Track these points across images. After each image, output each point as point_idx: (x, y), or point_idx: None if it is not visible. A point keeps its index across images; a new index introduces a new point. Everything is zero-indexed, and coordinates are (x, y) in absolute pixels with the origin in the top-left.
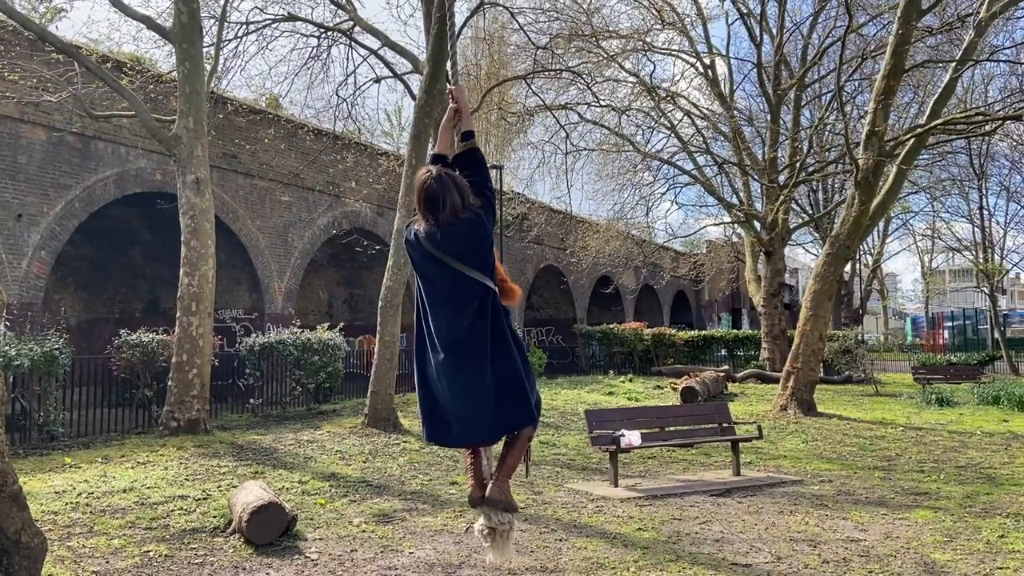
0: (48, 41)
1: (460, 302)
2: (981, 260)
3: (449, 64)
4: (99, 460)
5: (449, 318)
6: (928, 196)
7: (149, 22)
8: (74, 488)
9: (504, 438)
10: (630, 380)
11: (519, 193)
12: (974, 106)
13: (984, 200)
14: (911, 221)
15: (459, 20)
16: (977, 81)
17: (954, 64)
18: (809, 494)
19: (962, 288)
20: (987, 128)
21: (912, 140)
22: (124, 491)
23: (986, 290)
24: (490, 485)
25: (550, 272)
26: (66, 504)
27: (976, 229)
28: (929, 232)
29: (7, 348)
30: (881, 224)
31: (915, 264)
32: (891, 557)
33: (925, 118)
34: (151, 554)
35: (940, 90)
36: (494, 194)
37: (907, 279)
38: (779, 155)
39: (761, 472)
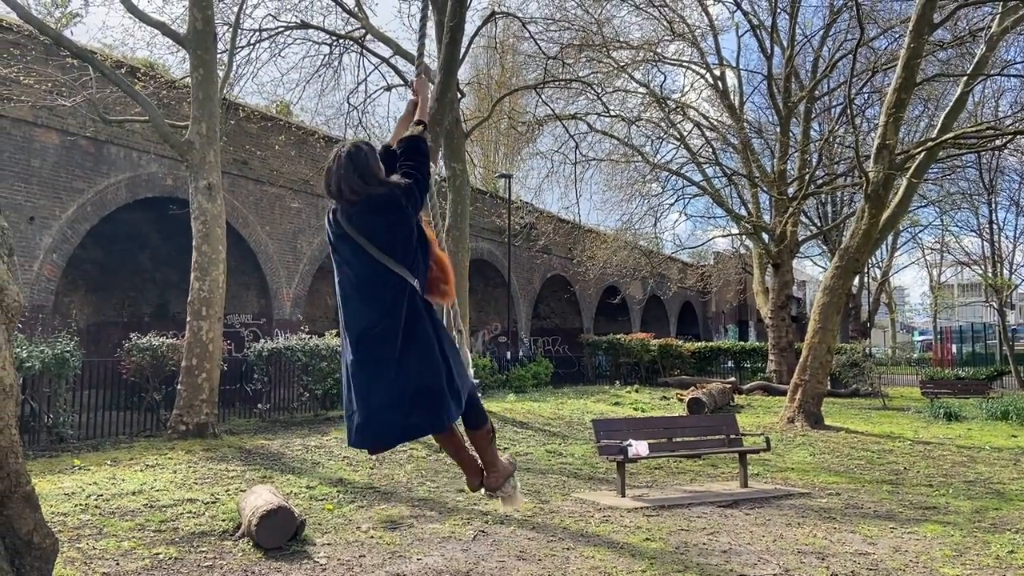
0: (63, 46)
1: (372, 295)
2: (990, 274)
3: (417, 52)
4: (108, 462)
5: (358, 311)
6: (937, 210)
7: (164, 28)
8: (83, 490)
9: (469, 442)
10: (636, 391)
11: (527, 202)
12: (985, 120)
13: (994, 214)
14: (920, 235)
15: (470, 29)
16: (988, 95)
17: (965, 78)
18: (817, 507)
19: (971, 302)
20: (997, 142)
21: (923, 154)
22: (133, 493)
23: (995, 304)
24: (485, 477)
25: (557, 281)
26: (76, 506)
27: (985, 243)
28: (938, 246)
29: (18, 350)
30: (890, 237)
31: (923, 278)
32: (900, 571)
33: (936, 132)
34: (160, 556)
35: (951, 104)
36: (425, 181)
37: (915, 293)
38: (788, 167)
39: (768, 484)
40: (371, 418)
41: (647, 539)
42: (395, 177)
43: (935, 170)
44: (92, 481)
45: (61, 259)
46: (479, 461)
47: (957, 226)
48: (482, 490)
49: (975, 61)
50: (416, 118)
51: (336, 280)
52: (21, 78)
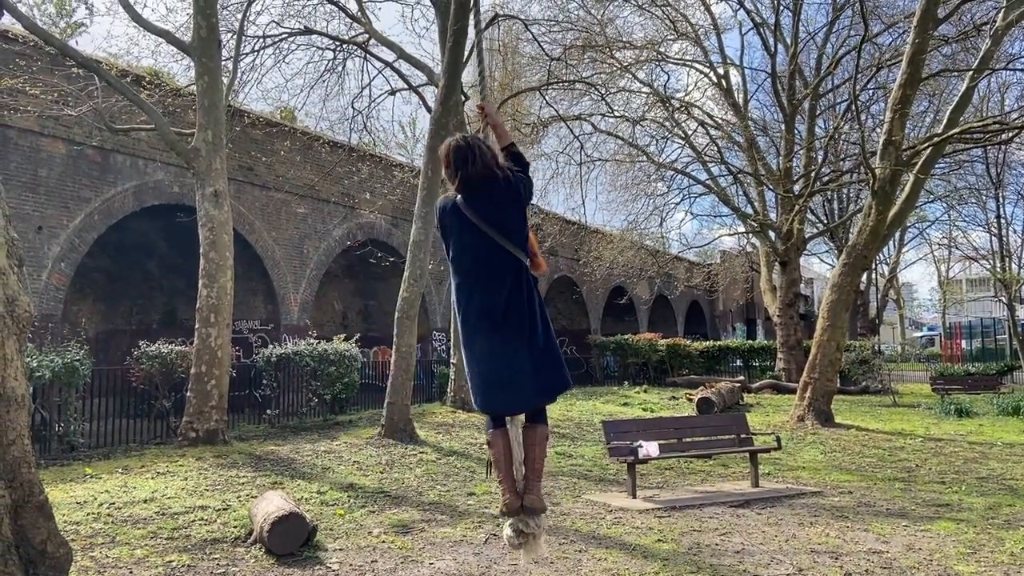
0: (69, 56)
1: (496, 274)
2: (998, 269)
3: (478, 79)
4: (119, 471)
5: (487, 290)
6: (945, 205)
7: (168, 36)
8: (95, 498)
9: (523, 440)
10: (645, 391)
11: (533, 204)
12: (991, 115)
13: (1001, 209)
14: (927, 230)
15: (473, 32)
16: (993, 89)
17: (971, 73)
18: (829, 505)
19: (979, 298)
20: (1004, 137)
21: (929, 149)
22: (145, 501)
23: (1004, 299)
24: (526, 495)
25: (564, 283)
26: (88, 514)
27: (993, 238)
28: (946, 241)
29: (28, 359)
30: (897, 233)
31: (932, 274)
32: (914, 569)
33: (942, 127)
34: (173, 564)
35: (957, 99)
36: (530, 179)
37: (923, 289)
38: (794, 165)
39: (780, 483)
40: (517, 382)
41: (659, 540)
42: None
43: (942, 165)
44: (104, 489)
45: (69, 268)
46: (518, 479)
47: (965, 221)
48: (515, 512)
49: (980, 56)
50: (502, 145)
51: (457, 264)
52: (27, 88)
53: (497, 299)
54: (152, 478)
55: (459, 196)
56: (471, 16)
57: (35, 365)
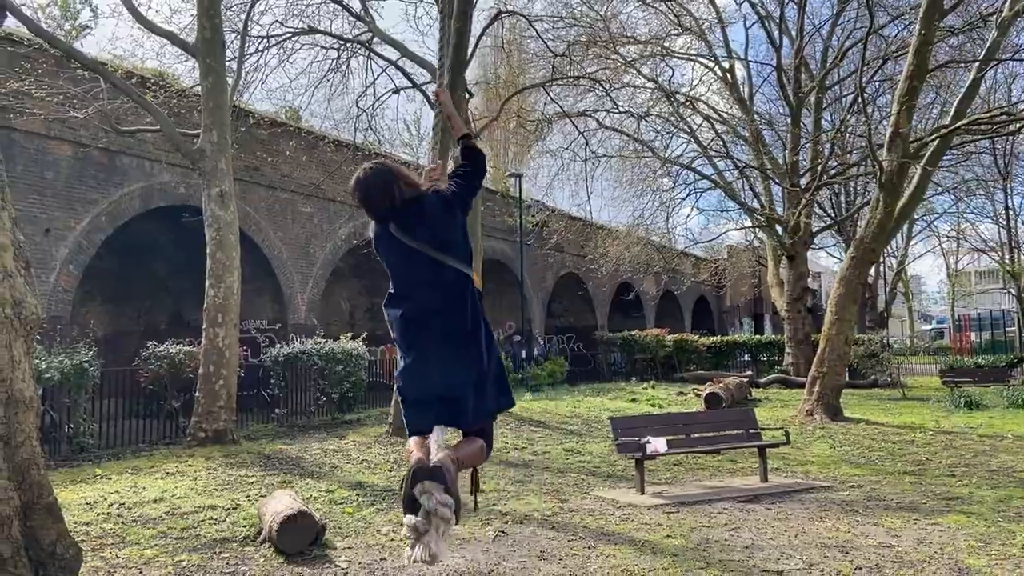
0: (74, 58)
1: (437, 291)
2: (1007, 261)
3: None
4: (129, 471)
5: (425, 307)
6: (952, 197)
7: (173, 38)
8: (105, 499)
9: (461, 442)
10: (652, 387)
11: (538, 201)
12: (998, 106)
13: (1009, 200)
14: (935, 223)
15: (476, 29)
16: (1000, 80)
17: (977, 64)
18: (839, 500)
19: (988, 290)
20: (1012, 127)
21: (936, 141)
22: (155, 501)
23: (1013, 291)
24: (440, 454)
25: (570, 279)
26: (98, 515)
27: (1002, 230)
28: (954, 233)
29: (37, 361)
30: (905, 226)
31: (940, 266)
32: (925, 563)
33: (949, 119)
34: (183, 563)
35: (964, 90)
36: (470, 182)
37: (932, 281)
38: (800, 158)
39: (789, 478)
40: (455, 397)
41: (668, 536)
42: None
43: (949, 157)
44: (114, 490)
45: (77, 270)
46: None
47: (973, 213)
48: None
49: (987, 46)
50: (458, 135)
51: (396, 280)
52: (33, 91)
53: (435, 315)
54: (162, 478)
55: (389, 224)
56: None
57: (44, 367)
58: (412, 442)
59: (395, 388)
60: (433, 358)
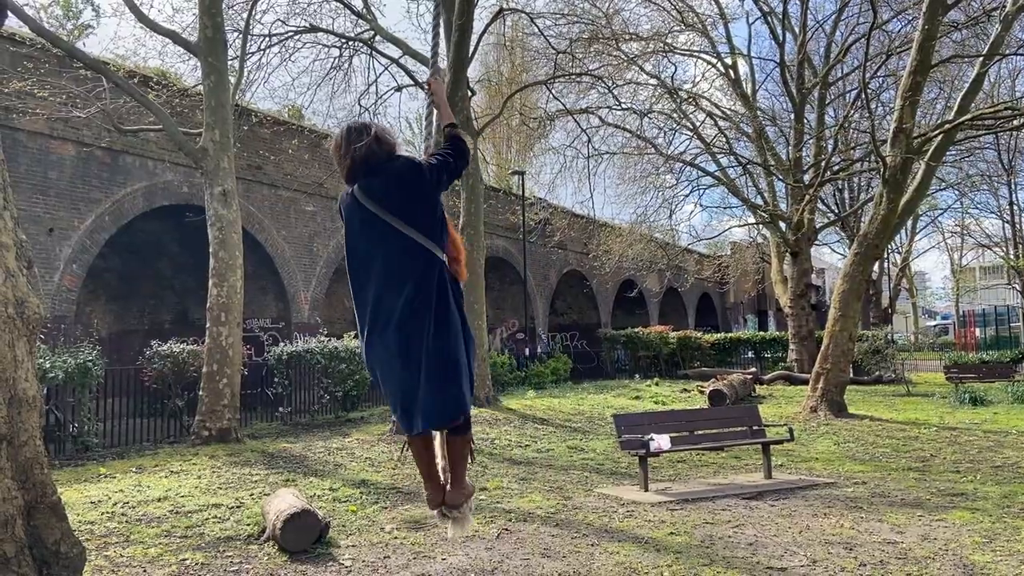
0: (76, 58)
1: (401, 271)
2: (1012, 256)
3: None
4: (133, 470)
5: (386, 288)
6: (957, 192)
7: (175, 37)
8: (109, 498)
9: (444, 449)
10: (656, 384)
11: (541, 198)
12: (1002, 101)
13: (1014, 195)
14: (940, 218)
15: (479, 27)
16: (1004, 75)
17: (981, 59)
18: (843, 496)
19: (993, 285)
20: (1016, 122)
21: (940, 136)
22: (159, 500)
23: (1017, 287)
24: (448, 491)
25: (573, 277)
26: (102, 514)
27: (1006, 225)
28: (958, 229)
29: (42, 360)
30: (909, 222)
31: (944, 262)
32: (929, 559)
33: (953, 114)
34: (187, 562)
35: (967, 85)
36: (451, 165)
37: (936, 277)
38: (804, 154)
39: (793, 475)
40: (417, 398)
41: (672, 533)
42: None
43: (953, 152)
44: (118, 489)
45: (81, 269)
46: (443, 477)
47: (977, 208)
48: (438, 508)
49: (991, 41)
50: (445, 123)
51: (358, 261)
52: (35, 91)
53: (397, 299)
54: (166, 477)
55: (355, 185)
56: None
57: (48, 366)
58: (409, 439)
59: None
60: (395, 356)
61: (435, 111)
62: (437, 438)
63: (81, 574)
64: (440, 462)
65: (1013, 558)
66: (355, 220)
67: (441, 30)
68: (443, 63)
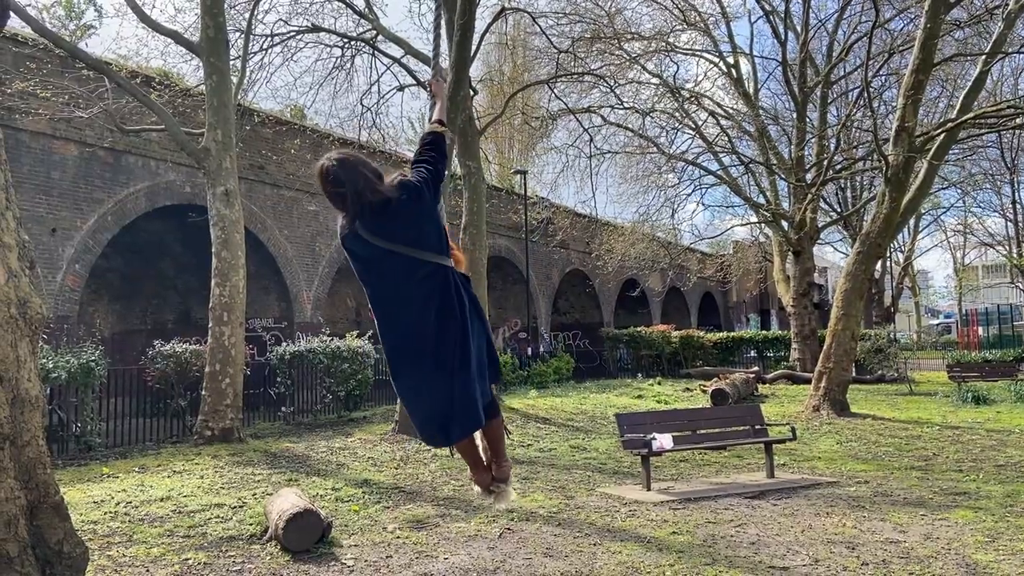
0: (79, 58)
1: (421, 294)
2: (1015, 255)
3: (432, 54)
4: (136, 470)
5: (413, 315)
6: (959, 191)
7: (177, 37)
8: (112, 498)
9: (482, 435)
10: (659, 383)
11: (543, 198)
12: (1004, 99)
13: (1016, 194)
14: (942, 217)
15: (481, 26)
16: (1007, 73)
17: (984, 57)
18: (845, 495)
19: (996, 284)
20: (1018, 121)
21: (942, 135)
22: (161, 500)
23: (1021, 285)
24: (496, 469)
25: (576, 276)
26: (105, 514)
27: (1009, 223)
28: (961, 228)
29: (44, 360)
30: (912, 220)
31: (947, 260)
32: (932, 559)
33: (955, 112)
34: (190, 562)
35: (970, 84)
36: (438, 173)
37: (939, 276)
38: (806, 153)
39: (795, 474)
40: (451, 412)
41: (674, 533)
42: (407, 174)
43: (956, 151)
44: (121, 488)
45: (84, 269)
46: (485, 458)
47: (980, 207)
48: (487, 488)
49: (993, 39)
50: (435, 118)
51: (375, 292)
52: (38, 91)
53: (426, 322)
54: (168, 477)
55: (357, 224)
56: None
57: (51, 366)
58: (461, 443)
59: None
60: (427, 377)
61: (436, 103)
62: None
63: (84, 574)
64: (480, 444)
65: (1016, 557)
66: (366, 257)
67: (443, 30)
68: (445, 63)
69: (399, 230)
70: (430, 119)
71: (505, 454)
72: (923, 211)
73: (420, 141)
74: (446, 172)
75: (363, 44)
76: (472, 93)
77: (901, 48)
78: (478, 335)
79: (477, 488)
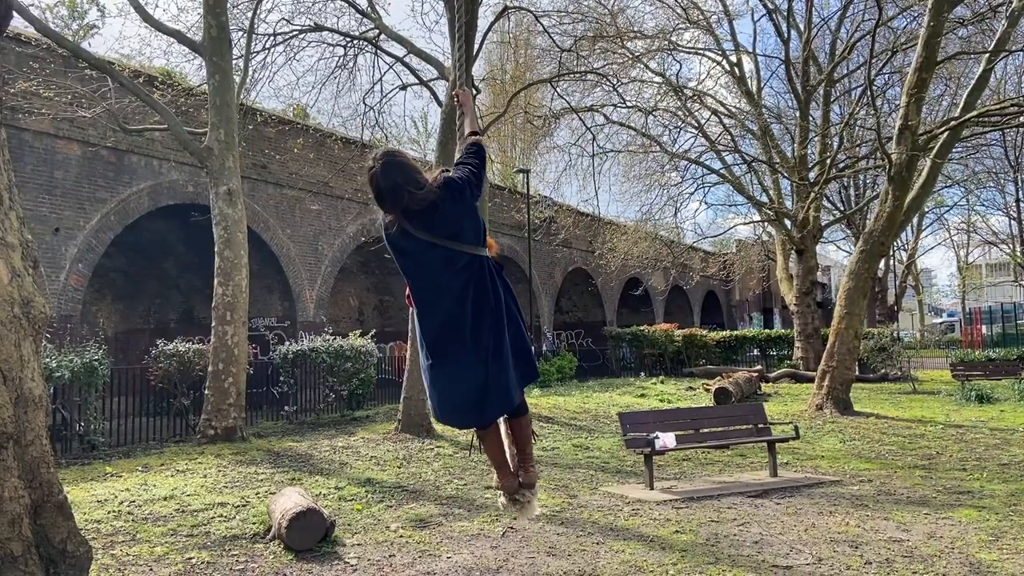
0: (81, 58)
1: (462, 282)
2: (1018, 253)
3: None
4: (139, 469)
5: (454, 302)
6: (963, 189)
7: (180, 36)
8: (116, 497)
9: (510, 431)
10: (661, 382)
11: (546, 196)
12: (1008, 97)
13: (1020, 192)
14: (946, 215)
15: (483, 25)
16: (1011, 71)
17: (987, 55)
18: (849, 494)
19: (999, 282)
20: (1022, 119)
21: (946, 133)
22: (165, 499)
23: None
24: (523, 474)
25: (579, 275)
26: (108, 512)
27: (1013, 222)
28: (964, 226)
29: (48, 360)
30: (915, 219)
31: (951, 259)
32: (935, 557)
33: (959, 110)
34: (193, 561)
35: (973, 82)
36: (479, 173)
37: (943, 274)
38: (809, 152)
39: (799, 473)
40: (486, 393)
41: (677, 531)
42: (451, 171)
43: (959, 149)
44: (124, 488)
45: (87, 269)
46: (511, 463)
47: (983, 205)
48: (513, 494)
49: (996, 37)
50: (469, 131)
51: (418, 285)
52: (41, 91)
53: (463, 310)
54: (172, 476)
55: (405, 221)
56: (458, 4)
57: (55, 365)
58: (479, 433)
59: (427, 389)
60: (462, 367)
61: (463, 119)
62: (503, 427)
63: (87, 572)
64: (508, 445)
65: (1020, 556)
66: (410, 251)
67: (446, 28)
68: (447, 62)
69: (440, 226)
70: (462, 134)
71: (533, 457)
72: (927, 209)
73: (464, 150)
74: (484, 175)
75: (366, 43)
76: (475, 92)
77: (904, 46)
78: (512, 323)
79: (503, 499)
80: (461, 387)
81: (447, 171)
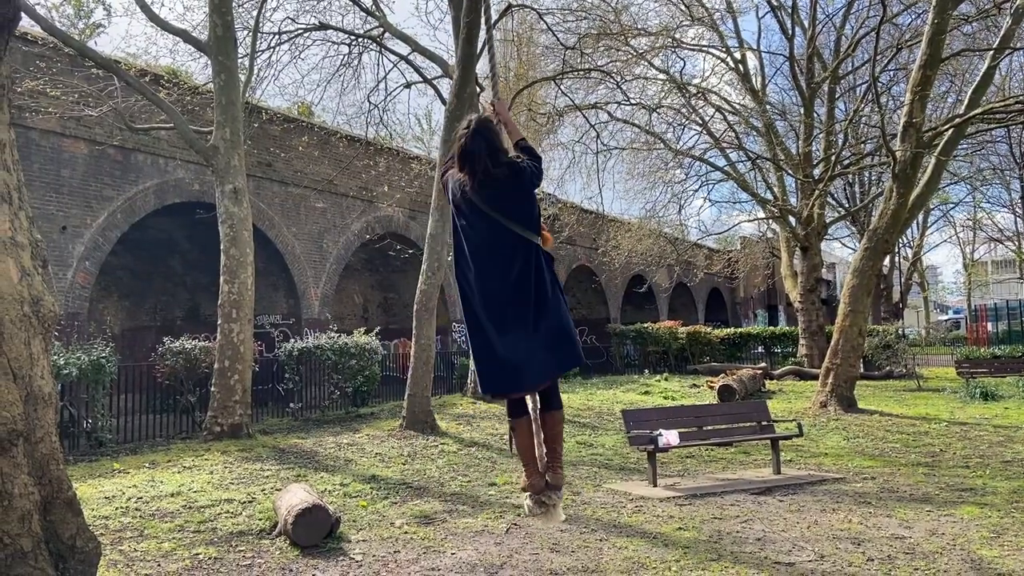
0: (88, 57)
1: (507, 257)
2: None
3: (489, 75)
4: (146, 465)
5: (498, 271)
6: (968, 186)
7: (185, 35)
8: (123, 493)
9: (542, 425)
10: (665, 379)
11: (550, 194)
12: (1013, 94)
13: None
14: (951, 212)
15: (485, 27)
16: (1015, 68)
17: (992, 52)
18: (852, 491)
19: (1005, 279)
20: None
21: (951, 130)
22: (172, 495)
23: None
24: (550, 474)
25: (582, 272)
26: (116, 509)
27: (1018, 219)
28: (970, 223)
29: (56, 357)
30: (920, 216)
31: (956, 256)
32: (937, 554)
33: (964, 107)
34: (200, 557)
35: (978, 79)
36: (540, 168)
37: (948, 271)
38: (813, 149)
39: (802, 470)
40: (528, 361)
41: (680, 528)
42: (522, 157)
43: (964, 146)
44: (132, 484)
45: (94, 267)
46: (540, 462)
47: (989, 202)
48: (539, 493)
49: (1001, 34)
50: (515, 140)
51: (464, 244)
52: (48, 90)
53: (507, 280)
54: (178, 472)
55: (466, 181)
56: (482, 9)
57: (62, 363)
58: (513, 423)
59: (471, 357)
60: (508, 332)
61: (503, 129)
62: (535, 421)
63: (96, 568)
64: (537, 443)
65: (1021, 553)
66: (469, 213)
67: (450, 27)
68: (451, 60)
69: (498, 201)
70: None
71: (562, 458)
72: (932, 206)
73: (519, 148)
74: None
75: (370, 41)
76: (478, 90)
77: (909, 43)
78: (555, 308)
79: (528, 500)
80: (500, 354)
81: (520, 158)
